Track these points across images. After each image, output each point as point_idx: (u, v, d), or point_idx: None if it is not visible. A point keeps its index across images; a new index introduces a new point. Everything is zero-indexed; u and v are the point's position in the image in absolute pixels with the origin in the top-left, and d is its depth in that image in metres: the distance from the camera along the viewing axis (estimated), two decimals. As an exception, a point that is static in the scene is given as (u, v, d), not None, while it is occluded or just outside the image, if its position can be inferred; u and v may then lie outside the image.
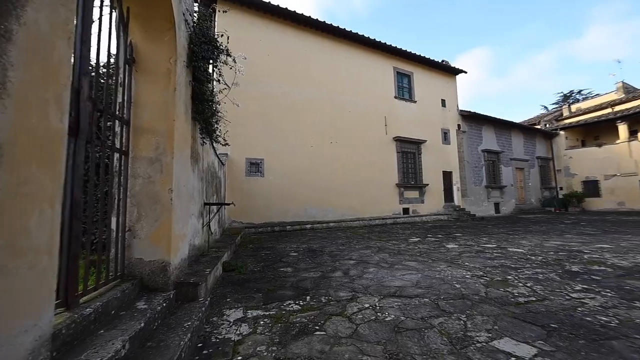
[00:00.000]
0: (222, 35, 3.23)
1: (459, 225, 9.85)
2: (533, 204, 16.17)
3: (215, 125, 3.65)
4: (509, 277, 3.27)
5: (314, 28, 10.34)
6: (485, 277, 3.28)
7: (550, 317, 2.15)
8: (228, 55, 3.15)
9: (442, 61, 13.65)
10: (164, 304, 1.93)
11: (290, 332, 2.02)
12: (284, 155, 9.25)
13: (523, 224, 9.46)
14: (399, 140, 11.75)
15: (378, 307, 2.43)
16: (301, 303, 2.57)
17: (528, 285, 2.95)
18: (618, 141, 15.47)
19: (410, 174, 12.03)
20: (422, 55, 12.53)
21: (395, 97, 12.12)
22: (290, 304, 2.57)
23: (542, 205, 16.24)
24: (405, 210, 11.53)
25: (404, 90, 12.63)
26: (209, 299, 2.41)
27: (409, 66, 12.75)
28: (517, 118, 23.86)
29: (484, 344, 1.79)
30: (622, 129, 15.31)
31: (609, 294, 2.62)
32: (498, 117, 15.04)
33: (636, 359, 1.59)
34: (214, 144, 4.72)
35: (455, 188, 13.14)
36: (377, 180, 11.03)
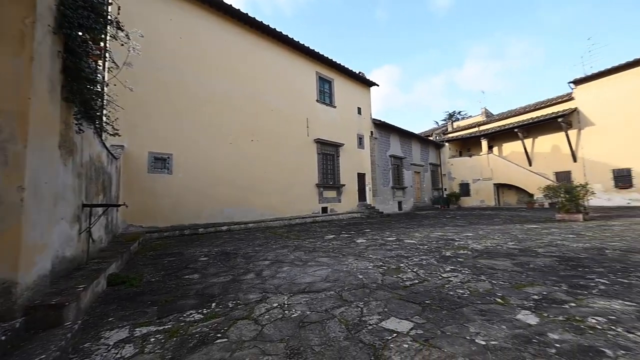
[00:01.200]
0: (111, 4, 2.70)
1: (370, 222, 10.98)
2: (426, 202, 19.44)
3: (101, 111, 3.03)
4: (402, 264, 3.81)
5: (236, 19, 9.80)
6: (384, 266, 3.74)
7: (426, 295, 2.60)
8: (119, 28, 2.66)
9: (359, 72, 14.98)
10: (3, 338, 1.48)
11: (187, 344, 1.84)
12: (198, 151, 8.44)
13: (418, 219, 11.25)
14: (319, 142, 12.29)
15: (286, 305, 2.47)
16: (205, 311, 2.38)
17: (414, 270, 3.50)
18: (481, 153, 20.12)
19: (329, 174, 12.74)
20: (342, 64, 13.45)
21: (317, 101, 12.63)
22: (191, 314, 2.34)
23: (432, 203, 19.70)
24: (324, 210, 12.15)
25: (325, 95, 13.30)
26: (80, 321, 1.97)
27: (331, 73, 13.51)
28: (416, 129, 28.20)
29: (375, 325, 2.03)
30: (484, 144, 20.01)
31: (466, 272, 3.36)
32: (403, 127, 17.45)
33: (476, 318, 2.08)
34: (102, 134, 3.92)
35: (367, 188, 14.60)
36: (298, 180, 11.27)
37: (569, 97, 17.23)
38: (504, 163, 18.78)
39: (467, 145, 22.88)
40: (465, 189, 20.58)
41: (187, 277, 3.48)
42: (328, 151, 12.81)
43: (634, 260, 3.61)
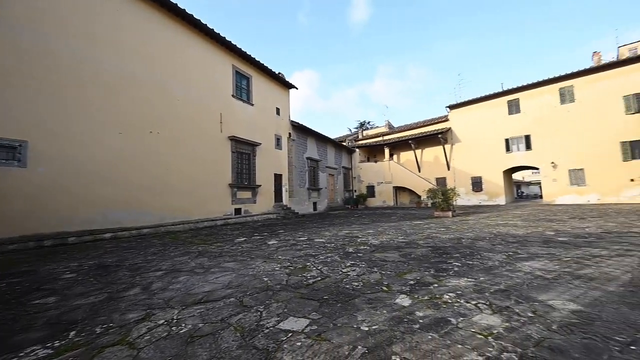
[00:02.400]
0: None
1: (285, 222, 11.04)
2: (339, 203, 20.96)
3: None
4: (308, 263, 3.94)
5: (133, -13, 8.29)
6: (291, 266, 3.79)
7: (326, 291, 2.76)
8: None
9: (279, 73, 14.95)
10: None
11: (18, 394, 1.39)
12: (72, 140, 6.72)
13: (330, 219, 11.98)
14: (235, 140, 11.64)
15: (175, 320, 2.18)
16: (57, 344, 1.87)
17: (319, 268, 3.67)
18: (384, 160, 23.08)
19: (244, 174, 12.21)
20: (261, 62, 13.12)
21: (233, 96, 11.95)
22: (34, 350, 1.80)
23: (344, 204, 21.39)
24: (238, 211, 11.56)
25: (243, 91, 12.71)
26: None
27: (249, 69, 13.00)
28: (332, 135, 30.13)
29: (272, 328, 2.00)
30: (386, 152, 23.02)
31: (363, 265, 3.73)
32: (320, 131, 18.32)
33: (364, 307, 2.31)
34: None
35: (284, 189, 14.68)
36: (209, 180, 10.37)
37: (445, 118, 21.63)
38: (400, 169, 22.05)
39: (374, 152, 25.86)
40: (371, 190, 23.18)
41: (37, 302, 2.68)
42: (244, 150, 12.26)
43: (478, 246, 4.75)
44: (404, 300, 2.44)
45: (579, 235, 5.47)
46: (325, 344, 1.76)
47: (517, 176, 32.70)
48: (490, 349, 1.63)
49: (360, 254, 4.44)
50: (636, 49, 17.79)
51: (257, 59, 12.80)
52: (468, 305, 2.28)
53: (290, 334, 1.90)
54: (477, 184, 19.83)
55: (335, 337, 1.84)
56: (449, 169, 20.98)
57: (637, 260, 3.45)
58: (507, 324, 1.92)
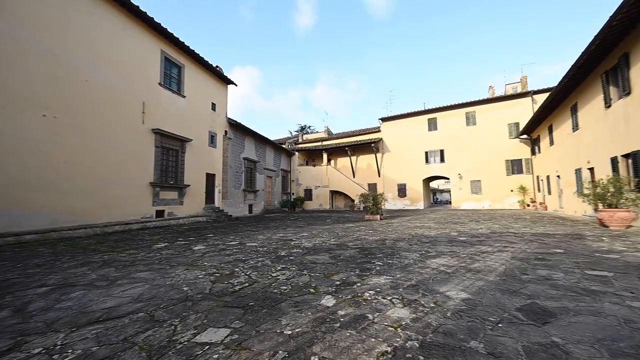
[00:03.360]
0: None
1: (216, 225, 10.33)
2: (276, 206, 20.69)
3: None
4: (237, 269, 3.76)
5: None
6: (217, 273, 3.55)
7: (252, 297, 2.66)
8: None
9: (217, 66, 14.04)
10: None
11: None
12: None
13: (265, 222, 11.71)
14: (160, 133, 10.40)
15: (60, 347, 1.80)
16: None
17: (248, 273, 3.54)
18: (322, 164, 23.83)
19: (170, 172, 11.00)
20: (197, 51, 12.11)
21: (161, 85, 10.69)
22: None
23: (281, 206, 21.22)
24: (160, 213, 10.32)
25: (173, 80, 11.50)
26: None
27: (182, 57, 11.84)
28: (273, 136, 29.71)
29: (186, 343, 1.83)
30: (325, 157, 23.83)
31: (294, 268, 3.75)
32: (259, 132, 17.82)
33: (289, 310, 2.32)
34: None
35: (217, 190, 13.76)
36: (124, 177, 9.00)
37: (378, 129, 23.63)
38: (337, 174, 23.09)
39: (313, 156, 26.47)
40: (309, 194, 23.61)
41: None
42: (171, 145, 11.06)
43: (398, 247, 5.28)
44: (329, 301, 2.53)
45: (474, 235, 6.60)
46: (244, 353, 1.69)
47: (433, 184, 37.78)
48: (398, 339, 1.81)
49: (292, 257, 4.45)
50: (517, 87, 22.68)
51: (191, 47, 11.77)
52: (384, 301, 2.50)
53: (207, 347, 1.77)
54: (402, 190, 22.17)
55: (256, 345, 1.79)
56: (379, 175, 22.91)
57: (510, 254, 4.34)
58: (413, 315, 2.18)
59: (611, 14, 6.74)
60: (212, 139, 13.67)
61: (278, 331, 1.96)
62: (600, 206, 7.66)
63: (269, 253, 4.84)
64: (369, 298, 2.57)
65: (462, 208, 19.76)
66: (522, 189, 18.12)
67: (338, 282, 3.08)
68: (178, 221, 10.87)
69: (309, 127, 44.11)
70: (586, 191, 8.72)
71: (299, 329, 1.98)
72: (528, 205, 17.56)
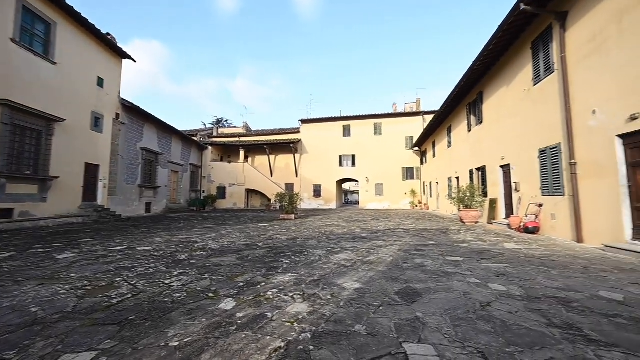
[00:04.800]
0: None
1: (97, 228, 8.45)
2: (182, 204, 18.50)
3: None
4: (119, 279, 3.16)
5: None
6: (89, 286, 2.90)
7: (135, 310, 2.28)
8: None
9: (107, 34, 11.54)
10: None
11: None
12: None
13: (166, 222, 10.31)
14: (10, 106, 7.81)
15: None
16: None
17: (133, 282, 3.02)
18: (239, 161, 22.71)
19: (26, 159, 8.40)
20: (75, 8, 9.62)
21: (14, 42, 8.05)
22: None
23: (188, 205, 19.11)
24: (7, 213, 7.75)
25: (37, 40, 8.82)
26: None
27: (52, 12, 9.21)
28: (182, 126, 26.50)
29: (22, 380, 1.41)
30: (242, 153, 22.77)
31: (193, 273, 3.41)
32: (164, 120, 15.56)
33: (180, 320, 2.09)
34: None
35: (101, 185, 11.29)
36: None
37: (298, 130, 24.15)
38: (254, 172, 22.42)
39: (229, 152, 24.92)
40: (222, 192, 22.09)
41: None
42: (30, 124, 8.46)
43: (308, 244, 5.49)
44: (228, 304, 2.40)
45: (373, 232, 7.49)
46: (111, 378, 1.42)
47: (345, 186, 41.16)
48: (293, 333, 1.87)
49: (194, 261, 4.05)
50: (413, 107, 27.10)
51: (67, 1, 9.30)
52: (286, 297, 2.55)
53: (56, 380, 1.40)
54: (317, 191, 23.28)
55: (129, 365, 1.53)
56: (297, 175, 23.42)
57: (397, 247, 5.11)
58: (311, 309, 2.29)
59: (473, 60, 8.83)
60: (97, 121, 11.15)
61: (162, 344, 1.74)
62: (461, 207, 9.90)
63: (165, 258, 4.27)
64: (271, 297, 2.58)
65: (368, 208, 22.22)
66: (413, 193, 21.73)
67: (242, 284, 2.97)
68: (37, 223, 8.37)
69: (226, 120, 41.40)
70: (453, 195, 11.14)
71: (189, 339, 1.81)
72: (416, 206, 21.16)
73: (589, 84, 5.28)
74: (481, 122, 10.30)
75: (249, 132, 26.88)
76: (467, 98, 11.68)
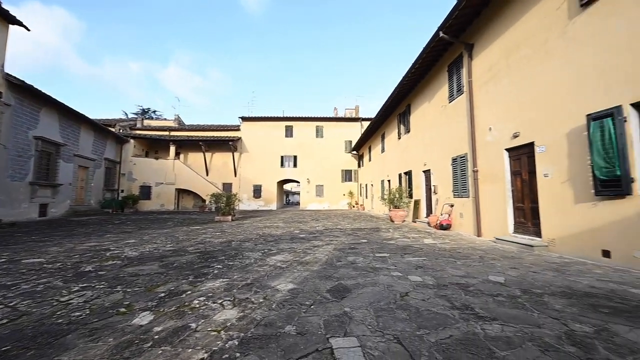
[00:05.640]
0: None
1: (-38, 236, 6.53)
2: (92, 206, 15.70)
3: None
4: (-10, 300, 2.50)
5: None
6: (-60, 313, 2.21)
7: (11, 339, 1.83)
8: None
9: (-14, -10, 9.05)
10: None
11: None
12: None
13: (69, 228, 8.61)
14: None
15: None
16: None
17: (12, 304, 2.42)
18: (169, 158, 20.48)
19: None
20: None
21: None
22: None
23: (101, 207, 16.32)
24: None
25: None
26: None
27: None
28: (97, 114, 22.59)
29: None
30: (172, 149, 20.60)
31: (101, 286, 2.92)
32: (71, 105, 12.94)
33: (78, 343, 1.75)
34: None
35: (-29, 181, 8.78)
36: None
37: (238, 128, 23.07)
38: (187, 170, 20.52)
39: (156, 147, 22.27)
40: (146, 191, 19.57)
41: None
42: None
43: (244, 247, 5.27)
44: (144, 318, 2.13)
45: (311, 232, 7.64)
46: None
47: (287, 187, 41.02)
48: (219, 342, 1.76)
49: (103, 272, 3.48)
50: (352, 112, 28.69)
51: None
52: (214, 305, 2.39)
53: None
54: (257, 191, 22.61)
55: (-4, 409, 1.22)
56: (235, 175, 22.32)
57: (333, 246, 5.32)
58: (241, 314, 2.20)
59: (403, 75, 9.82)
60: (-33, 99, 8.64)
61: (48, 376, 1.43)
62: (391, 207, 10.88)
63: (63, 270, 3.56)
64: (198, 305, 2.38)
65: (308, 209, 22.57)
66: (351, 194, 22.96)
67: (163, 294, 2.67)
68: None
69: (154, 111, 36.98)
70: (385, 196, 12.17)
71: (87, 364, 1.53)
72: (353, 207, 22.42)
73: (487, 106, 6.42)
74: (409, 131, 11.52)
75: (181, 127, 24.49)
76: (398, 109, 12.92)
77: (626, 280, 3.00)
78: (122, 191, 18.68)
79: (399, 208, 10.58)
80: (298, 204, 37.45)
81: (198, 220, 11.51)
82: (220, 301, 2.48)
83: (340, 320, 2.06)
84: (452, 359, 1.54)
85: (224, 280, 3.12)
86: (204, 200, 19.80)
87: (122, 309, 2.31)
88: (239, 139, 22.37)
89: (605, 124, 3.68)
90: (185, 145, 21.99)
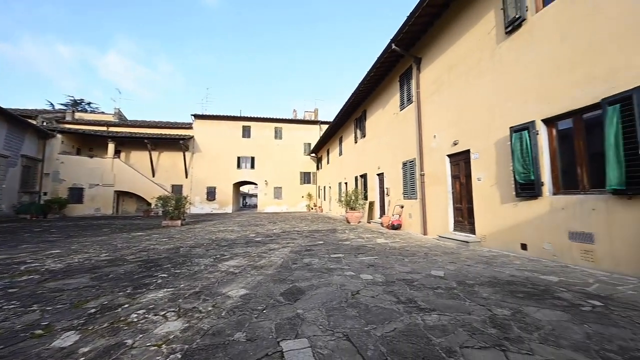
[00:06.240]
0: None
1: None
2: (3, 211, 13.20)
3: None
4: None
5: None
6: None
7: None
8: None
9: None
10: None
11: None
12: None
13: (-29, 238, 7.13)
14: None
15: None
16: None
17: None
18: (106, 156, 18.26)
19: None
20: None
21: None
22: None
23: (16, 212, 13.79)
24: None
25: None
26: None
27: None
28: (12, 102, 19.16)
29: None
30: (111, 146, 18.42)
31: (13, 306, 2.48)
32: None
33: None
34: None
35: None
36: None
37: (190, 126, 21.61)
38: (129, 170, 18.53)
39: (91, 143, 19.68)
40: (77, 194, 17.14)
41: None
42: None
43: (193, 253, 4.94)
44: (67, 339, 1.86)
45: (268, 235, 7.49)
46: None
47: (244, 189, 39.67)
48: (159, 357, 1.62)
49: (16, 290, 2.96)
50: (312, 115, 28.98)
51: None
52: (155, 318, 2.20)
53: None
54: (211, 194, 21.41)
55: None
56: (187, 176, 20.85)
57: (290, 249, 5.29)
58: (186, 325, 2.06)
59: (359, 83, 10.26)
60: None
61: None
62: (347, 209, 11.23)
63: (-42, 289, 2.93)
64: (136, 320, 2.16)
65: (266, 211, 22.10)
66: (309, 196, 23.10)
67: (94, 310, 2.37)
68: None
69: (89, 103, 32.77)
70: (342, 198, 12.51)
71: (-14, 401, 1.29)
72: (312, 209, 22.58)
73: (433, 115, 7.04)
74: (365, 136, 12.05)
75: (123, 122, 22.05)
76: (355, 114, 13.43)
77: (538, 269, 3.54)
78: (45, 194, 16.08)
79: (354, 210, 10.97)
80: (256, 206, 36.46)
81: (141, 226, 10.46)
82: (163, 313, 2.29)
83: (292, 322, 2.05)
84: (394, 350, 1.64)
85: (168, 289, 2.89)
86: (149, 204, 18.07)
87: (39, 331, 1.99)
88: (191, 137, 20.98)
89: (523, 136, 4.31)
90: (128, 143, 19.85)
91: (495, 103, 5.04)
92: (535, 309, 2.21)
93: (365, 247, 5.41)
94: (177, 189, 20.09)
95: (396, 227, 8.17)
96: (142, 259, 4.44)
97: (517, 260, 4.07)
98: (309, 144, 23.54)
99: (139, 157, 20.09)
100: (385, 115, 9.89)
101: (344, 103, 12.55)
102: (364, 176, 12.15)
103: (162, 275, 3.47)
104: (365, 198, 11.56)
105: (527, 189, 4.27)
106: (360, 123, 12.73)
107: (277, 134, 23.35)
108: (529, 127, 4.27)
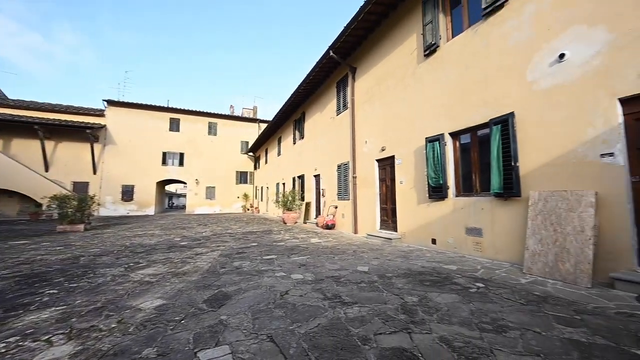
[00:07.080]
0: None
1: None
2: None
3: None
4: None
5: None
6: None
7: None
8: None
9: None
10: None
11: None
12: None
13: None
14: None
15: None
16: None
17: None
18: (-27, 143, 14.05)
19: None
20: None
21: None
22: None
23: None
24: None
25: None
26: None
27: None
28: None
29: None
30: (-18, 131, 14.26)
31: None
32: None
33: None
34: None
35: None
36: None
37: (101, 113, 18.35)
38: (8, 162, 14.69)
39: (-52, 125, 14.90)
40: None
41: None
42: None
43: (98, 263, 4.20)
44: None
45: (196, 239, 6.90)
46: None
47: (170, 188, 35.69)
48: (34, 394, 1.32)
49: None
50: (250, 113, 27.95)
51: None
52: (34, 344, 1.79)
53: None
54: (128, 193, 18.59)
55: None
56: (95, 172, 17.64)
57: (219, 252, 4.97)
58: (79, 347, 1.73)
59: (298, 84, 10.35)
60: None
61: None
62: (284, 209, 11.18)
63: None
64: (4, 350, 1.72)
65: (196, 213, 20.33)
66: (245, 196, 22.19)
67: None
68: None
69: (-52, 73, 24.69)
70: (279, 199, 12.39)
71: None
72: (248, 210, 21.74)
73: (365, 122, 7.58)
74: (303, 138, 12.21)
75: (1, 101, 17.37)
76: (294, 115, 13.50)
77: (442, 260, 4.15)
78: None
79: (291, 210, 11.00)
80: (184, 207, 33.27)
81: (26, 232, 8.41)
82: (47, 337, 1.88)
83: (214, 330, 1.93)
84: (316, 345, 1.70)
85: (58, 308, 2.38)
86: (38, 205, 14.66)
87: None
88: (103, 127, 17.87)
89: (435, 146, 5.01)
90: (9, 129, 15.71)
91: (415, 116, 5.73)
92: (437, 294, 2.58)
93: (299, 247, 5.47)
94: (80, 187, 16.84)
95: (330, 226, 8.50)
96: (22, 274, 3.56)
97: (429, 253, 4.69)
98: (247, 143, 22.66)
99: (26, 147, 16.12)
100: (323, 119, 10.22)
101: (284, 103, 12.50)
102: (301, 177, 12.30)
103: (51, 291, 2.85)
104: (302, 199, 11.71)
105: (437, 191, 4.97)
106: (299, 124, 12.86)
107: (212, 130, 21.77)
108: (439, 138, 4.98)
